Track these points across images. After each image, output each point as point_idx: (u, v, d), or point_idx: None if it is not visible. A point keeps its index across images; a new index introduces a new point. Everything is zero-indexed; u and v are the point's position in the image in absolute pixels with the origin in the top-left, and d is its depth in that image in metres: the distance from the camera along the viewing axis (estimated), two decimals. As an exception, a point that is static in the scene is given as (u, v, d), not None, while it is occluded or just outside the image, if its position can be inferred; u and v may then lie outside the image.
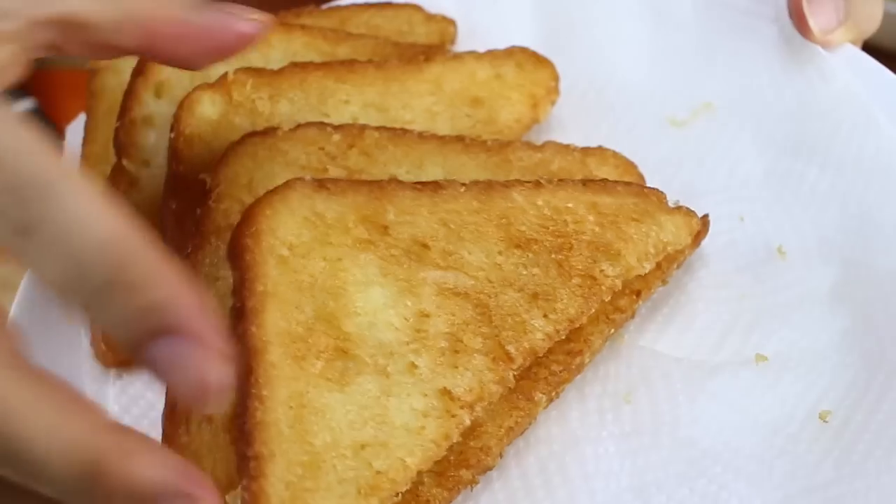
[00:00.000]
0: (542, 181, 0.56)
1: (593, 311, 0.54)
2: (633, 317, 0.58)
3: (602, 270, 0.54)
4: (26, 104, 0.99)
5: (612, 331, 0.57)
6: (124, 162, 0.62)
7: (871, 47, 0.66)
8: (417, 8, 0.74)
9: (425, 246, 0.52)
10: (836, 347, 0.56)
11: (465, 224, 0.53)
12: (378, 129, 0.59)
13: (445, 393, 0.50)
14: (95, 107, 0.69)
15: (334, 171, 0.58)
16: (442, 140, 0.60)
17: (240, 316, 0.49)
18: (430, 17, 0.73)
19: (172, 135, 0.59)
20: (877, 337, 0.55)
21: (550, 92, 0.67)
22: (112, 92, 0.69)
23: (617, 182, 0.57)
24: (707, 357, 0.57)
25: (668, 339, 0.58)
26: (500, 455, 0.54)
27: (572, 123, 0.68)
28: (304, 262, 0.50)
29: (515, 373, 0.51)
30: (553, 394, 0.55)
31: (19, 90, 1.08)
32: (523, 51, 0.67)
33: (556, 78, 0.67)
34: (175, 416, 0.52)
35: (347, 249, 0.51)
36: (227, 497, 0.50)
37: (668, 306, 0.60)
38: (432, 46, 0.71)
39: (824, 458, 0.52)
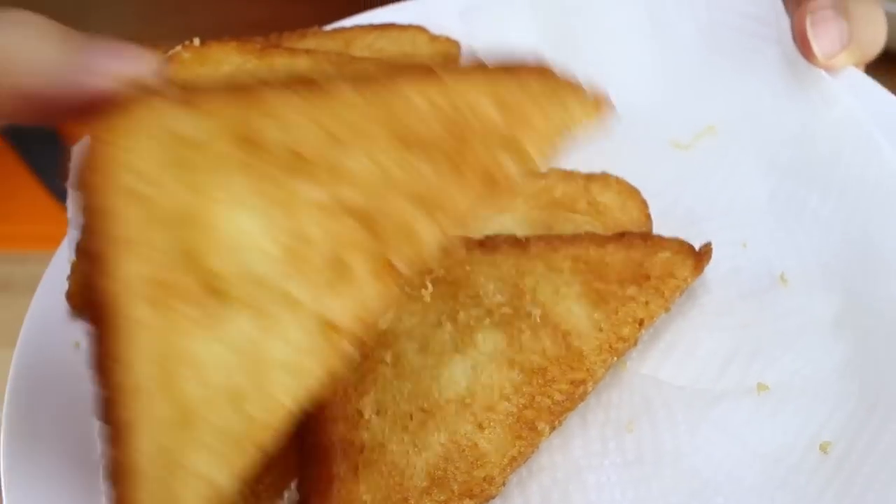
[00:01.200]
0: (434, 68, 0.47)
1: (490, 209, 0.49)
2: (635, 344, 0.59)
3: (501, 164, 0.47)
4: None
5: (615, 359, 0.57)
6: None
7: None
8: (422, 29, 0.74)
9: (302, 157, 0.44)
10: (838, 377, 0.56)
11: (348, 127, 0.45)
12: None
13: (327, 323, 0.44)
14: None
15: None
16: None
17: (92, 266, 0.42)
18: (435, 39, 0.73)
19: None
20: (878, 367, 0.55)
21: (553, 115, 0.67)
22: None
23: (521, 67, 0.49)
24: (709, 385, 0.57)
25: (671, 367, 0.59)
26: (503, 484, 0.54)
27: (574, 147, 0.68)
28: (162, 193, 0.42)
29: (403, 288, 0.47)
30: (556, 422, 0.55)
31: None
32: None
33: (559, 101, 0.67)
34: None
35: (212, 173, 0.43)
36: None
37: (670, 333, 0.60)
38: (436, 68, 0.71)
39: (825, 489, 0.52)
